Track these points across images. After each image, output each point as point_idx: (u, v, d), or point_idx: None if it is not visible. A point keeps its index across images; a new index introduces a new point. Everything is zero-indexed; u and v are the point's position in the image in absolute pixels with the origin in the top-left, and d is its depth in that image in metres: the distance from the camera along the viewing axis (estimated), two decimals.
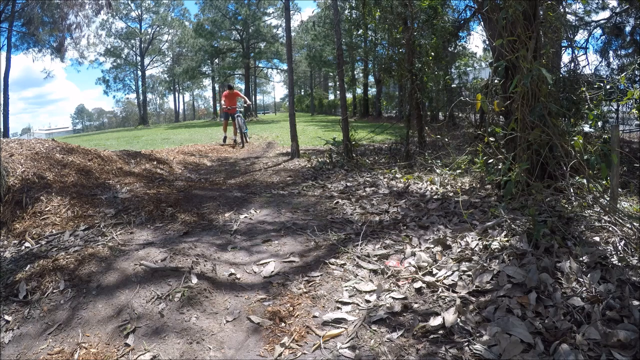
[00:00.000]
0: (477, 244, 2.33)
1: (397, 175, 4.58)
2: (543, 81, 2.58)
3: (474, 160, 3.58)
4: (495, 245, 2.23)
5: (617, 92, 2.84)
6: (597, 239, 2.18)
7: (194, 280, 2.08)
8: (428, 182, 4.09)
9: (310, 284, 2.08)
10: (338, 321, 1.75)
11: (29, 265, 2.31)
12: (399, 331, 1.64)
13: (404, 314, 1.76)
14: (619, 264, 1.89)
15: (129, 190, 3.82)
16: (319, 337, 1.65)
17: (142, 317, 1.80)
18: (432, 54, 5.95)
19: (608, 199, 2.48)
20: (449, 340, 1.57)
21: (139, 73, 36.41)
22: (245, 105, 10.03)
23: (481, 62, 14.35)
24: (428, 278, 2.03)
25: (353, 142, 6.02)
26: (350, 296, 1.95)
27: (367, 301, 1.89)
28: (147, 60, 37.05)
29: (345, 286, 2.04)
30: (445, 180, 4.07)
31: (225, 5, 26.96)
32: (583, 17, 9.74)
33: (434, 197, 3.51)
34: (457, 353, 1.49)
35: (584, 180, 2.59)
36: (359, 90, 26.94)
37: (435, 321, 1.66)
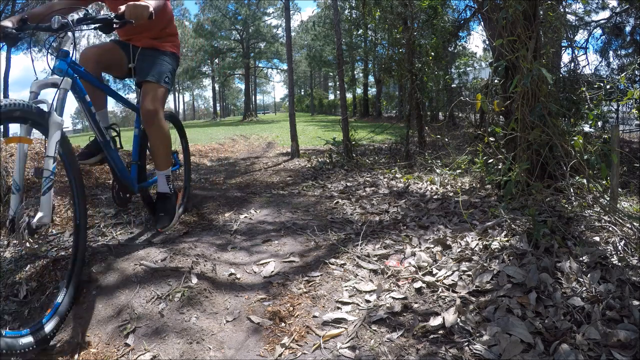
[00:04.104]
0: (477, 244, 2.33)
1: (397, 175, 4.58)
2: (543, 81, 2.58)
3: (474, 160, 3.59)
4: (495, 245, 2.23)
5: (617, 92, 2.84)
6: (597, 239, 2.18)
7: (194, 280, 2.08)
8: (428, 182, 4.09)
9: (310, 284, 2.08)
10: (338, 321, 1.75)
11: (29, 265, 2.31)
12: (399, 331, 1.64)
13: (404, 314, 1.76)
14: (619, 264, 1.89)
15: None
16: (319, 337, 1.65)
17: (142, 317, 1.80)
18: (432, 54, 5.96)
19: (608, 199, 2.48)
20: (449, 340, 1.57)
21: None
22: None
23: (481, 62, 14.37)
24: (428, 278, 2.03)
25: (353, 142, 6.02)
26: (350, 296, 1.95)
27: (367, 301, 1.89)
28: None
29: (345, 286, 2.04)
30: (445, 180, 4.07)
31: (225, 5, 27.00)
32: (583, 17, 9.76)
33: (434, 197, 3.51)
34: (457, 353, 1.49)
35: (584, 180, 2.59)
36: (359, 90, 26.98)
37: (435, 321, 1.66)
